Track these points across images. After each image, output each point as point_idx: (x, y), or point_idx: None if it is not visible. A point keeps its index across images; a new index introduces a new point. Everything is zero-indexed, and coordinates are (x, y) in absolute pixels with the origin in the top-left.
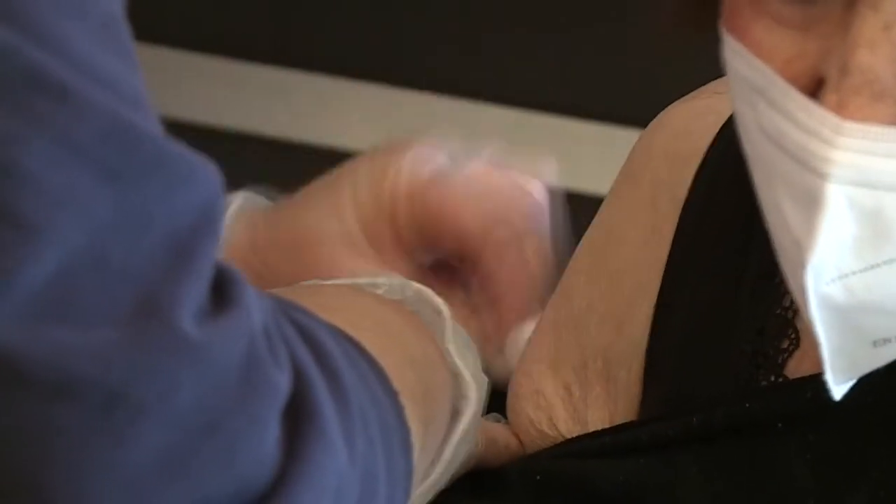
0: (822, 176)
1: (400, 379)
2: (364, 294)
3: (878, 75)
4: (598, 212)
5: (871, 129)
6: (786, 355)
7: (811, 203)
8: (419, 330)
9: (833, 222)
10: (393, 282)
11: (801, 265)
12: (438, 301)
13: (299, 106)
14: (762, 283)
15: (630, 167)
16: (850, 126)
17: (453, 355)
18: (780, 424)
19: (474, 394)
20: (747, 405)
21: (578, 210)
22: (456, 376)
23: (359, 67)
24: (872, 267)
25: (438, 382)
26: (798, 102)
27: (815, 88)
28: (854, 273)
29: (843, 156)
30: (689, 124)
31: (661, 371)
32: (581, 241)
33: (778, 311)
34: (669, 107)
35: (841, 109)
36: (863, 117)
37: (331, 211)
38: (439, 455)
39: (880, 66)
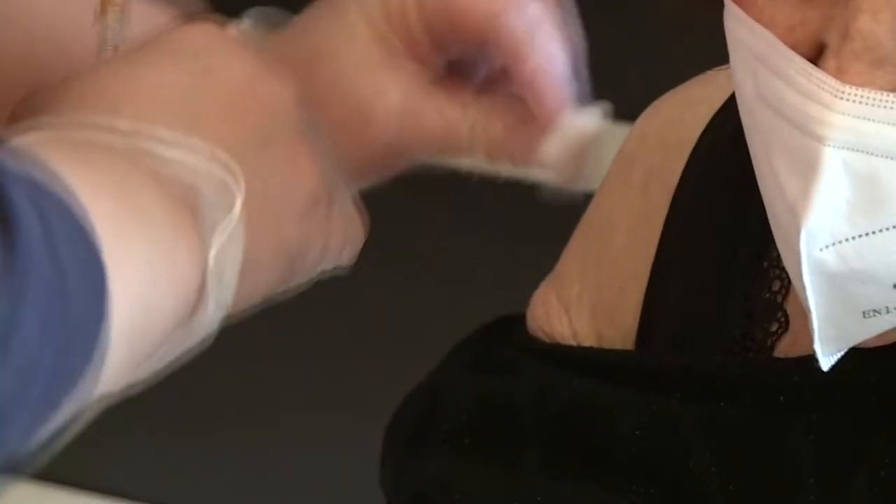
0: (819, 139)
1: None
2: (130, 168)
3: (879, 41)
4: (593, 199)
5: (870, 94)
6: (774, 338)
7: (808, 167)
8: (174, 216)
9: (829, 186)
10: (190, 158)
11: (796, 230)
12: (233, 186)
13: None
14: (751, 267)
15: (623, 154)
16: (849, 90)
17: (212, 251)
18: (782, 398)
19: (213, 298)
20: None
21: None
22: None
23: None
24: (865, 234)
25: (178, 266)
26: (798, 67)
27: (815, 56)
28: (847, 240)
29: (841, 119)
30: (682, 112)
31: None
32: (577, 228)
33: (767, 296)
34: (664, 95)
35: (841, 74)
36: (862, 83)
37: (340, 30)
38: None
39: (881, 32)
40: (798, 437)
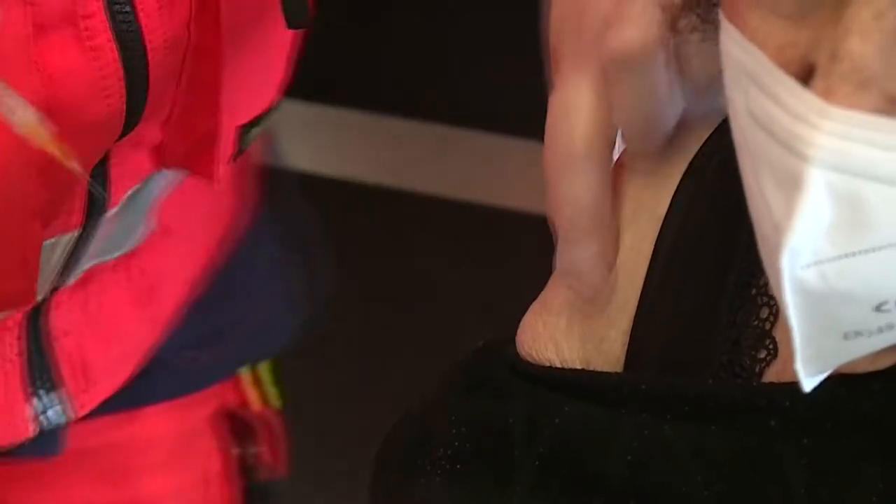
0: (805, 158)
1: None
2: None
3: (867, 63)
4: None
5: (856, 115)
6: (763, 364)
7: (793, 186)
8: None
9: (813, 206)
10: None
11: (779, 247)
12: None
13: (456, 163)
14: (739, 294)
15: (615, 181)
16: (835, 111)
17: None
18: (773, 423)
19: None
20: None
21: None
22: None
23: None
24: (846, 255)
25: None
26: (787, 86)
27: (805, 77)
28: (829, 260)
29: (826, 140)
30: (668, 144)
31: None
32: None
33: (755, 322)
34: None
35: (828, 95)
36: (849, 104)
37: None
38: None
39: (870, 54)
40: (790, 463)
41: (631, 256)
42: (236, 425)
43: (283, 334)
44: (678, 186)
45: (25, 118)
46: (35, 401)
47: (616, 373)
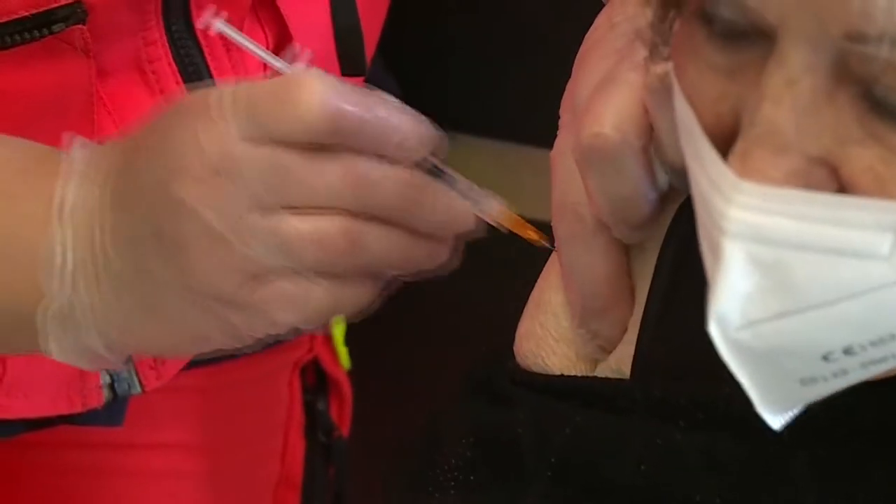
0: (721, 231)
1: None
2: None
3: (780, 128)
4: None
5: (767, 189)
6: None
7: (716, 254)
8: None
9: (733, 275)
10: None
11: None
12: None
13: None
14: None
15: None
16: (746, 185)
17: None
18: (783, 431)
19: None
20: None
21: None
22: None
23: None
24: (779, 316)
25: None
26: (708, 153)
27: (737, 131)
28: (762, 321)
29: (740, 213)
30: None
31: None
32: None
33: None
34: None
35: (745, 158)
36: (765, 167)
37: None
38: None
39: (782, 119)
40: (800, 471)
41: (633, 262)
42: (308, 381)
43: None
44: (681, 205)
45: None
46: (105, 371)
47: (627, 379)
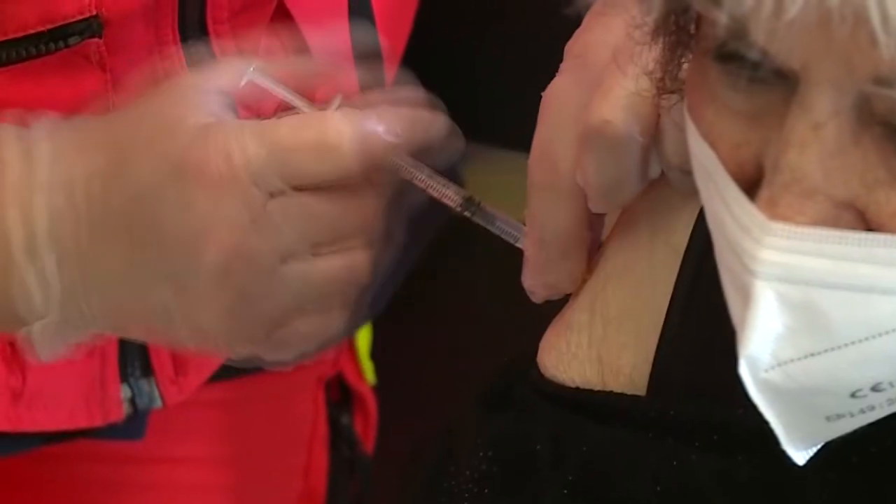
0: (751, 273)
1: None
2: None
3: (807, 174)
4: (601, 250)
5: (797, 229)
6: None
7: (745, 296)
8: None
9: (764, 316)
10: None
11: (738, 356)
12: None
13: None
14: None
15: (629, 210)
16: (776, 226)
17: None
18: None
19: None
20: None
21: None
22: None
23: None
24: (810, 355)
25: None
26: (734, 195)
27: (761, 176)
28: (792, 361)
29: (770, 254)
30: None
31: None
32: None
33: None
34: None
35: (772, 206)
36: (793, 213)
37: None
38: None
39: (809, 165)
40: (814, 496)
41: (649, 284)
42: (332, 396)
43: (378, 303)
44: (697, 217)
45: None
46: (126, 385)
47: (643, 396)
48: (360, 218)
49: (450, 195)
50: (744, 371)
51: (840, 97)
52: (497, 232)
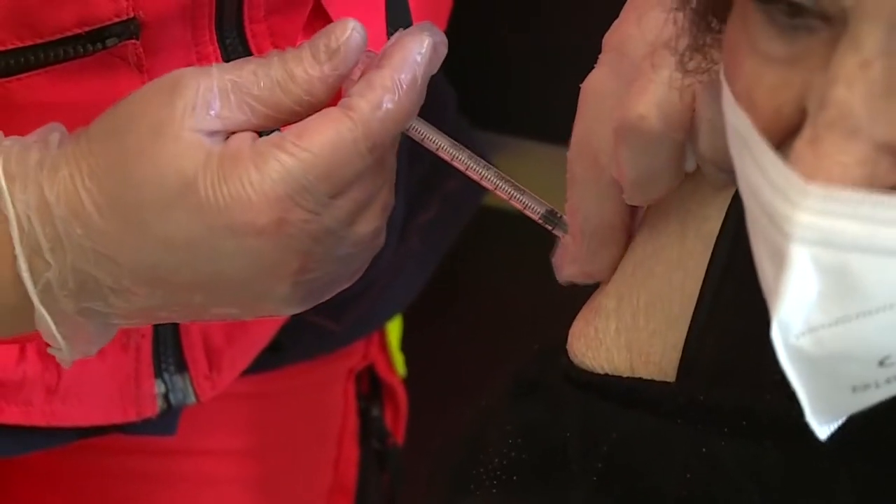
0: (786, 235)
1: None
2: None
3: (853, 111)
4: (630, 244)
5: (835, 192)
6: None
7: (779, 259)
8: None
9: (797, 280)
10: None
11: (770, 320)
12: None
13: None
14: None
15: (658, 199)
16: (814, 189)
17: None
18: (826, 444)
19: None
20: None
21: None
22: None
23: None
24: (841, 321)
25: None
26: (770, 159)
27: (800, 119)
28: (823, 327)
29: (806, 217)
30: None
31: None
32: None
33: None
34: None
35: (815, 144)
36: (835, 152)
37: None
38: None
39: (856, 102)
40: (842, 486)
41: (679, 272)
42: (362, 388)
43: (409, 293)
44: (730, 205)
45: None
46: (160, 381)
47: (672, 383)
48: (378, 184)
49: (484, 174)
50: (775, 336)
51: (891, 34)
52: (520, 206)
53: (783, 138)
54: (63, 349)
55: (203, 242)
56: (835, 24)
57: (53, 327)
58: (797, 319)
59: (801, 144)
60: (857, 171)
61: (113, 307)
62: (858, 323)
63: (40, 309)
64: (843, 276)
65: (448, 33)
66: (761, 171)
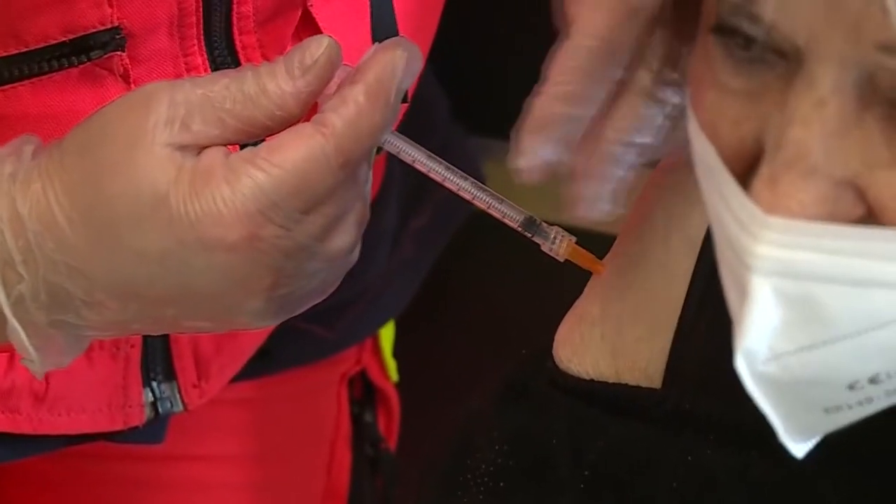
0: (747, 267)
1: None
2: None
3: (810, 151)
4: (616, 243)
5: (795, 224)
6: None
7: (742, 290)
8: None
9: (760, 310)
10: None
11: (734, 349)
12: None
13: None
14: None
15: (642, 202)
16: (774, 221)
17: None
18: (812, 451)
19: None
20: None
21: None
22: None
23: None
24: (806, 348)
25: None
26: (732, 189)
27: (760, 153)
28: (789, 353)
29: (766, 249)
30: None
31: None
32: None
33: None
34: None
35: (773, 184)
36: (794, 191)
37: None
38: None
39: (812, 142)
40: (829, 493)
41: (665, 276)
42: (355, 393)
43: (402, 300)
44: None
45: None
46: (148, 389)
47: (658, 389)
48: (351, 199)
49: (461, 185)
50: (741, 365)
51: (844, 73)
52: (499, 215)
53: (747, 168)
54: (35, 360)
55: (175, 257)
56: (790, 60)
57: (25, 339)
58: (761, 347)
59: (759, 184)
60: (816, 209)
61: (85, 320)
62: (825, 350)
63: (12, 321)
64: (808, 305)
65: (444, 38)
66: (725, 202)
